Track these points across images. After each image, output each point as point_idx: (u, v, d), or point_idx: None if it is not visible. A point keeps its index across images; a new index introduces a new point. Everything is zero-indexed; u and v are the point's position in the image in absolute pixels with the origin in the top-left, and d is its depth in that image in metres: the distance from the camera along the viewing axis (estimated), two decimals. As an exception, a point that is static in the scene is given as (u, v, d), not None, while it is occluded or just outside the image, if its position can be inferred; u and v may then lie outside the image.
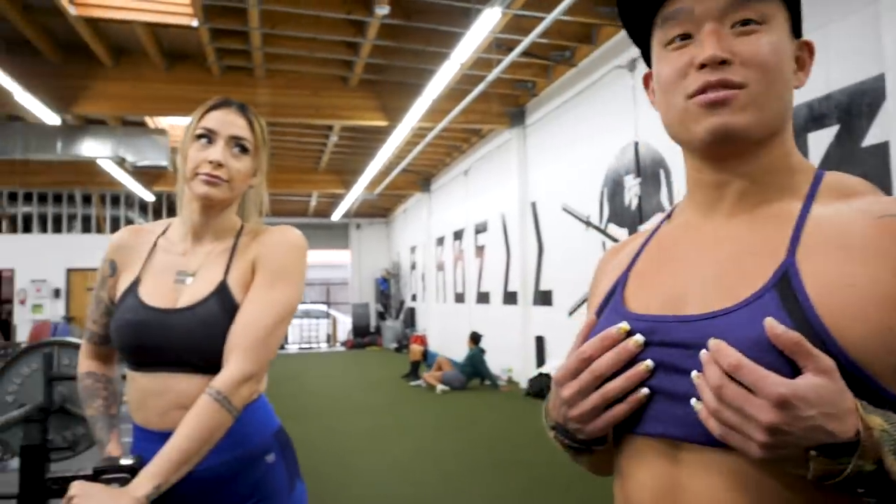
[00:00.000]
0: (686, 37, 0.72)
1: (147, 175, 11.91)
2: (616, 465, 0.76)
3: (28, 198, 14.46)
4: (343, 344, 17.18)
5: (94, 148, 8.62)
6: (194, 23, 6.17)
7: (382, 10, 5.90)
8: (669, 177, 5.77)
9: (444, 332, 12.90)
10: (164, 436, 1.17)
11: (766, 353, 0.58)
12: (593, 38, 6.83)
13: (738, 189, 0.73)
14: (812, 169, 0.75)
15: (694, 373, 0.62)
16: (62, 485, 1.10)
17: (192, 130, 1.31)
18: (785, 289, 0.63)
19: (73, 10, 5.73)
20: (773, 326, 0.58)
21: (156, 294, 1.28)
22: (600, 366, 0.68)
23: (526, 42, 6.00)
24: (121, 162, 9.04)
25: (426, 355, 9.99)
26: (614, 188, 6.68)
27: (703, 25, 0.70)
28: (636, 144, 6.23)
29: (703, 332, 0.64)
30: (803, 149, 4.14)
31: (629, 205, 6.41)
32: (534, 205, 8.74)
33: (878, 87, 3.63)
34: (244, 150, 1.32)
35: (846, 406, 0.55)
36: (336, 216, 16.81)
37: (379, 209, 17.79)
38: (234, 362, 1.20)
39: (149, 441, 1.24)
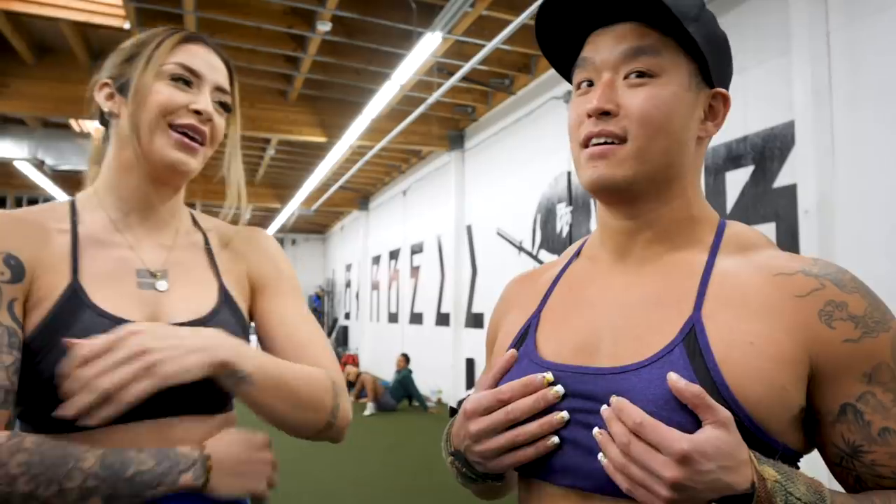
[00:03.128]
0: (591, 83, 0.74)
1: (69, 180, 11.33)
2: None
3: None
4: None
5: (9, 149, 8.14)
6: (126, 25, 5.96)
7: (324, 26, 5.87)
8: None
9: (376, 351, 12.75)
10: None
11: (674, 410, 0.60)
12: (532, 68, 6.99)
13: (646, 238, 0.75)
14: (715, 218, 0.76)
15: (595, 429, 0.63)
16: None
17: (156, 63, 0.91)
18: (692, 344, 0.65)
19: (-7, 3, 5.45)
20: (675, 381, 0.60)
21: (121, 306, 0.85)
22: (516, 409, 0.67)
23: (466, 67, 6.08)
24: (39, 164, 8.58)
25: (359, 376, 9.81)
26: (547, 215, 6.81)
27: (602, 75, 0.72)
28: (569, 174, 6.39)
29: (615, 386, 0.65)
30: (721, 187, 4.35)
31: (560, 232, 6.54)
32: (469, 228, 8.81)
33: (788, 133, 3.86)
34: (226, 107, 0.98)
35: (742, 457, 0.58)
36: (271, 231, 16.46)
37: (315, 225, 17.54)
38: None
39: None
